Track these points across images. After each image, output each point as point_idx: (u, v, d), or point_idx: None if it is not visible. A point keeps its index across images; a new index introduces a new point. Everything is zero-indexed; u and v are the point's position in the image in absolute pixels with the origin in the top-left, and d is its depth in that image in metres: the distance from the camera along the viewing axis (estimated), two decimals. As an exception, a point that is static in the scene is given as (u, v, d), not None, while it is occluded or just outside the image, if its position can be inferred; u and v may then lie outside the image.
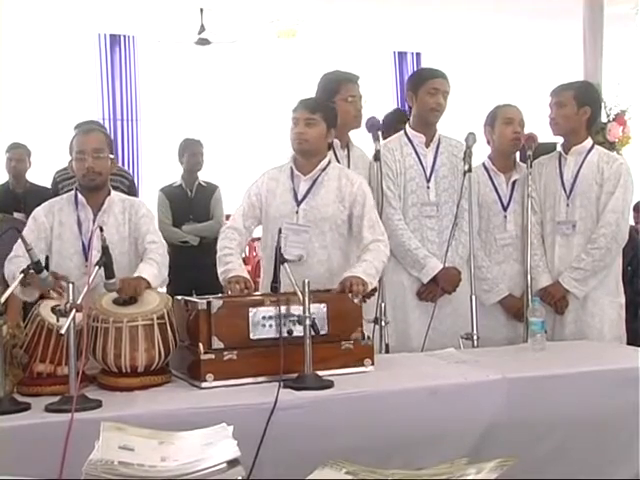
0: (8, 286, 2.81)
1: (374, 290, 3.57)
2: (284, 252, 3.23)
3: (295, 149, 3.65)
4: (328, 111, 3.63)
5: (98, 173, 3.36)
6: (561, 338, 3.97)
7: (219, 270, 3.54)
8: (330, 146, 3.71)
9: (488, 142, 4.29)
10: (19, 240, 3.00)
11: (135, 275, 3.13)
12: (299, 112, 3.58)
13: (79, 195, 3.44)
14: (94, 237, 3.10)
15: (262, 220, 3.71)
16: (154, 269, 3.21)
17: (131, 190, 5.23)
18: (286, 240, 3.48)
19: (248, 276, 3.48)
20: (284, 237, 3.43)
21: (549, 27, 9.08)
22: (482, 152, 4.29)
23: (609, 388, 3.07)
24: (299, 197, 3.64)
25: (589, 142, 4.14)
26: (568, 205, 4.07)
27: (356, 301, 3.13)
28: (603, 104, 5.99)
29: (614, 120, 6.02)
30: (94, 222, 3.36)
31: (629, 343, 4.02)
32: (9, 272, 3.22)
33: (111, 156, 3.44)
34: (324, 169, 3.65)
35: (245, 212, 3.67)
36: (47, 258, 3.41)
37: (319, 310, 2.97)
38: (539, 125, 4.21)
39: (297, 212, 3.61)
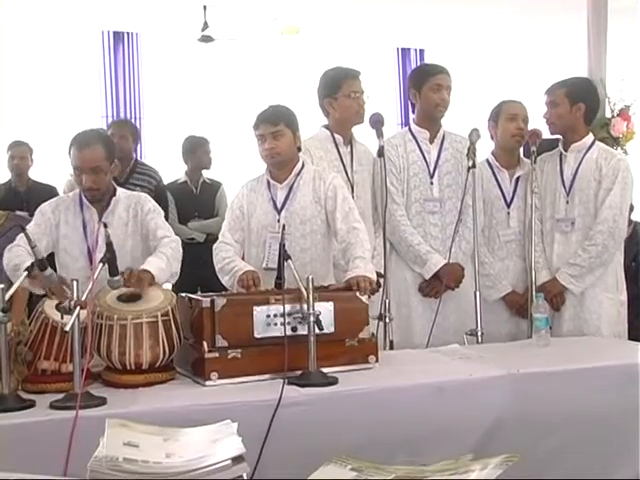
0: (12, 283, 2.80)
1: (377, 285, 3.57)
2: (269, 260, 3.45)
3: (269, 164, 3.65)
4: (288, 117, 3.60)
5: (96, 190, 3.36)
6: (559, 335, 3.93)
7: (225, 279, 3.54)
8: (299, 149, 3.70)
9: (492, 138, 4.29)
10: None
11: (141, 268, 3.08)
12: (262, 128, 3.57)
13: (84, 198, 3.43)
14: (99, 236, 3.10)
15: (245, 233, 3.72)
16: (162, 263, 3.18)
17: (158, 192, 5.23)
18: (270, 249, 3.55)
19: (257, 271, 3.46)
20: (268, 246, 3.55)
21: (553, 22, 9.04)
22: (486, 148, 4.28)
23: (614, 384, 3.07)
24: (278, 205, 3.64)
25: (590, 138, 4.11)
26: (567, 202, 4.05)
27: (364, 299, 3.12)
28: (607, 99, 5.97)
29: (618, 115, 6.00)
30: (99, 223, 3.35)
31: (632, 339, 3.99)
32: (7, 260, 3.18)
33: (116, 162, 3.41)
34: (298, 174, 3.65)
35: (232, 226, 3.69)
36: (51, 255, 3.41)
37: (326, 308, 2.97)
38: (544, 121, 4.19)
39: (278, 220, 3.61)
